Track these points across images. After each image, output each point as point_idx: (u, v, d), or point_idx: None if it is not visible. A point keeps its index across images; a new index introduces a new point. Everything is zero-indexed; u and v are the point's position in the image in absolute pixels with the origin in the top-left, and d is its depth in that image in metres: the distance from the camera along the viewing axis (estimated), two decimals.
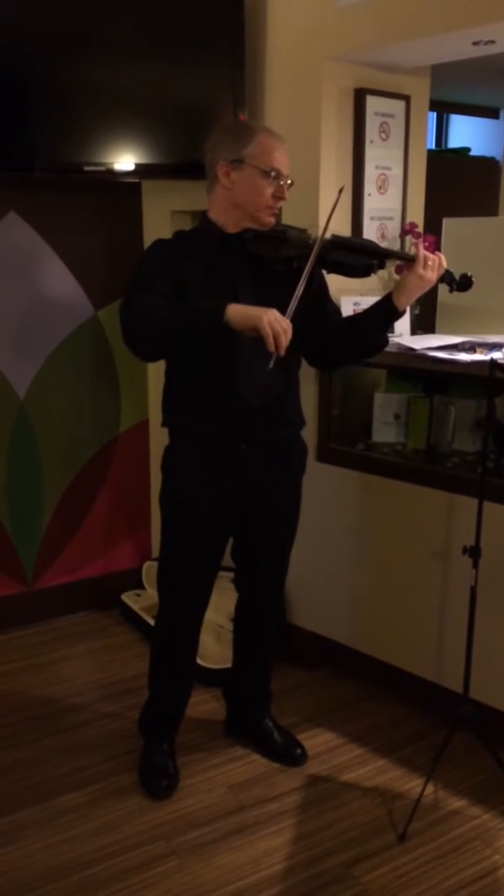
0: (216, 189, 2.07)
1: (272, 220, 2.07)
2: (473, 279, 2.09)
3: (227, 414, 2.07)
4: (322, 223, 2.01)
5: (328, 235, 2.04)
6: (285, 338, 1.85)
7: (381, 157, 2.75)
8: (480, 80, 3.72)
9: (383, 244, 2.76)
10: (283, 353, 1.86)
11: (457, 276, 2.09)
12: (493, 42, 2.33)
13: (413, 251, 2.05)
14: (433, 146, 4.69)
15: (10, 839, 2.10)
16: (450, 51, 2.48)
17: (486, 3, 2.16)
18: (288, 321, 1.87)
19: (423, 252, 2.02)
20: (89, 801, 2.24)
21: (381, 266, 2.12)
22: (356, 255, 2.07)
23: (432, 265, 2.01)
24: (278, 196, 2.04)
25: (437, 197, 3.03)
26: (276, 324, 1.84)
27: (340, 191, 2.04)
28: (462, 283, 2.10)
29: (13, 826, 2.15)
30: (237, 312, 1.86)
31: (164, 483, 2.21)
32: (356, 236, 2.64)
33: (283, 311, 1.90)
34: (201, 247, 2.07)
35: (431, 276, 2.02)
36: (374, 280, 2.36)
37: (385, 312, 2.08)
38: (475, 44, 2.36)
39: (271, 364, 1.86)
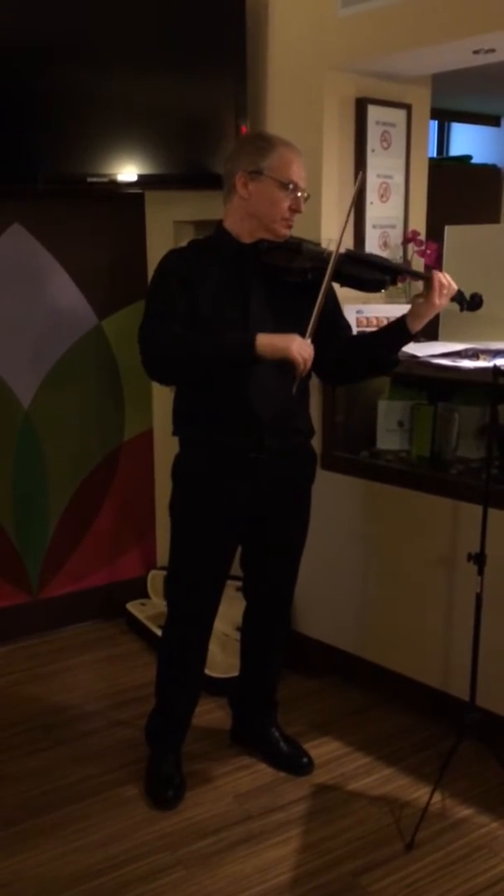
0: (233, 199, 2.08)
1: (287, 231, 2.09)
2: (483, 298, 2.11)
3: (239, 423, 2.08)
4: (335, 235, 2.04)
5: (342, 250, 2.07)
6: (310, 362, 1.97)
7: (383, 166, 2.76)
8: (481, 89, 3.73)
9: (386, 252, 2.78)
10: (304, 375, 1.98)
11: (467, 296, 2.11)
12: (493, 51, 2.35)
13: (428, 274, 2.08)
14: (434, 154, 4.69)
15: (17, 849, 2.10)
16: (450, 60, 2.50)
17: (486, 12, 2.18)
18: (310, 344, 1.97)
19: (439, 280, 2.04)
20: (96, 811, 2.24)
21: (394, 282, 2.15)
22: (370, 270, 2.11)
23: (447, 293, 2.05)
24: (294, 208, 2.06)
25: (439, 205, 3.04)
26: (302, 350, 1.95)
27: (359, 176, 2.17)
28: (473, 304, 2.13)
29: (20, 836, 2.15)
30: (266, 344, 1.95)
31: (173, 492, 2.22)
32: (369, 252, 2.67)
33: (301, 329, 1.97)
34: (216, 256, 2.09)
35: (445, 301, 2.07)
36: None
37: (398, 334, 2.12)
38: (476, 52, 2.37)
39: (294, 389, 1.98)
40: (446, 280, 2.05)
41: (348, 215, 2.08)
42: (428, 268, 2.73)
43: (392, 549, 2.64)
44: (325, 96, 2.60)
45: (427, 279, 2.06)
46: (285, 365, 1.95)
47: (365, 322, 2.60)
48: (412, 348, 2.54)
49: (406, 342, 2.14)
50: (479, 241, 2.67)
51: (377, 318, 2.61)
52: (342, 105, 2.65)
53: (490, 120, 4.63)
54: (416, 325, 2.09)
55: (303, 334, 1.97)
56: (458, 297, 2.11)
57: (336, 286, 2.18)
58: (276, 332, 2.05)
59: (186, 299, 2.04)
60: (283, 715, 2.54)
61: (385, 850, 2.09)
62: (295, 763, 2.41)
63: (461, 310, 2.14)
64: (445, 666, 2.52)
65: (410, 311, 2.09)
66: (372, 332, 2.26)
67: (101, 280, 3.17)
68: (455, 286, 2.07)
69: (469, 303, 2.13)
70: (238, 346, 1.96)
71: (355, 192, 2.16)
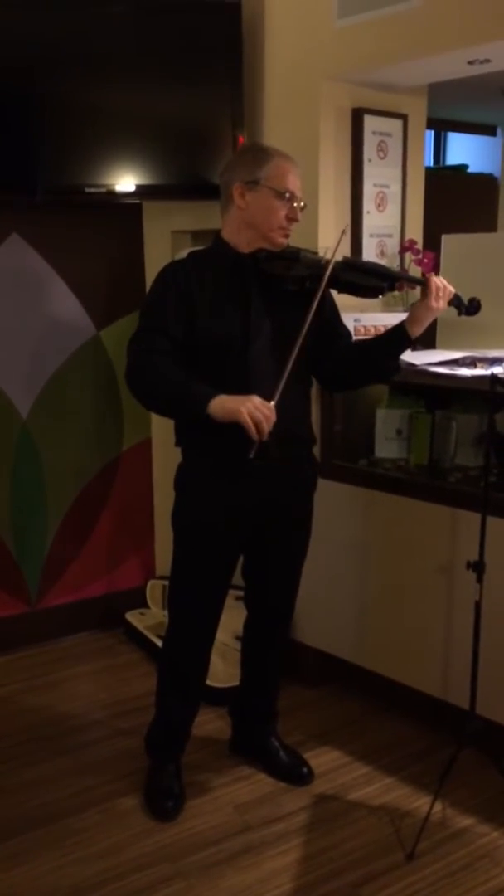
0: (231, 209, 2.10)
1: (285, 241, 2.10)
2: (482, 302, 2.12)
3: (240, 432, 2.08)
4: (331, 245, 2.04)
5: (339, 257, 2.07)
6: (267, 424, 1.92)
7: (380, 176, 2.77)
8: (477, 98, 3.75)
9: (383, 261, 2.78)
10: (265, 438, 1.92)
11: (465, 301, 2.11)
12: (488, 61, 2.36)
13: (425, 278, 2.08)
14: (431, 164, 4.72)
15: (17, 861, 2.09)
16: (446, 70, 2.51)
17: (481, 22, 2.19)
18: (270, 405, 1.93)
19: (435, 283, 2.05)
20: (95, 823, 2.23)
21: (391, 288, 2.16)
22: (367, 277, 2.11)
23: (444, 295, 2.05)
24: (291, 217, 2.08)
25: (436, 214, 3.05)
26: (255, 413, 1.91)
27: (343, 232, 2.10)
28: (471, 308, 2.13)
29: (19, 848, 2.14)
30: (218, 407, 1.93)
31: (176, 502, 2.22)
32: (366, 259, 2.68)
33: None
34: (215, 267, 2.10)
35: (443, 305, 2.07)
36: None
37: (398, 340, 2.12)
38: (470, 63, 2.39)
39: (252, 453, 1.92)
40: (442, 283, 2.06)
41: (339, 238, 2.07)
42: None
43: (390, 558, 2.63)
44: (321, 107, 2.61)
45: (423, 283, 2.07)
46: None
47: (363, 331, 2.60)
48: (410, 356, 2.55)
49: (405, 348, 2.13)
50: (476, 250, 2.68)
51: (375, 327, 2.61)
52: (339, 115, 2.66)
53: (486, 129, 4.66)
54: (416, 330, 2.09)
55: (271, 395, 1.94)
56: (457, 302, 2.11)
57: (334, 292, 2.18)
58: (274, 340, 2.05)
59: (184, 313, 2.04)
60: (283, 724, 2.53)
61: (386, 861, 2.08)
62: (295, 773, 2.40)
63: (459, 314, 2.14)
64: (445, 674, 2.52)
65: (409, 316, 2.10)
66: (371, 339, 2.26)
67: (99, 290, 3.17)
68: (452, 289, 2.08)
69: (467, 307, 2.13)
70: (194, 400, 1.97)
71: (338, 239, 2.09)
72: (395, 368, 2.19)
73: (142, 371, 2.05)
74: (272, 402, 1.94)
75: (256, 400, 1.93)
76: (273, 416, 1.93)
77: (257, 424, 1.91)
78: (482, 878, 2.03)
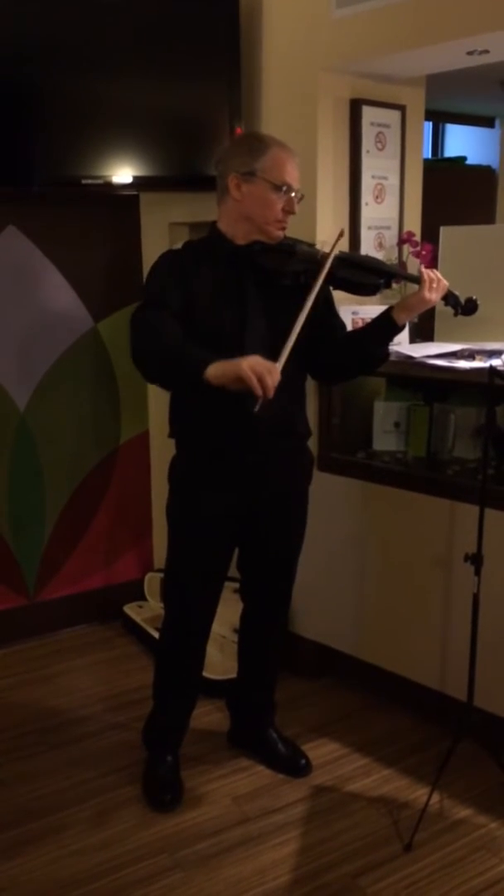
0: (226, 201, 2.08)
1: (281, 233, 2.08)
2: (479, 302, 2.11)
3: (234, 425, 2.08)
4: (329, 240, 2.03)
5: (336, 253, 2.06)
6: (271, 378, 1.83)
7: (378, 167, 2.76)
8: (475, 90, 3.74)
9: (381, 253, 2.78)
10: (270, 394, 1.84)
11: (462, 300, 2.11)
12: (487, 52, 2.35)
13: (418, 271, 2.08)
14: (429, 155, 4.71)
15: (14, 853, 2.09)
16: (444, 61, 2.50)
17: (480, 13, 2.18)
18: (273, 365, 1.85)
19: (428, 275, 2.04)
20: (93, 815, 2.23)
21: (388, 285, 2.15)
22: (364, 274, 2.10)
23: (437, 287, 2.05)
24: (288, 210, 2.05)
25: (434, 206, 3.04)
26: (257, 366, 1.83)
27: (341, 234, 2.08)
28: (468, 308, 2.12)
29: (17, 840, 2.14)
30: (217, 368, 1.85)
31: (170, 494, 2.21)
32: (363, 254, 2.66)
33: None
34: (211, 258, 2.09)
35: (435, 297, 2.06)
36: None
37: (385, 327, 2.10)
38: (469, 53, 2.38)
39: (257, 407, 1.84)
40: (435, 275, 2.07)
41: (339, 236, 2.06)
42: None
43: (389, 550, 2.63)
44: (319, 97, 2.60)
45: (418, 277, 2.06)
46: (242, 387, 1.83)
47: (360, 324, 2.60)
48: (408, 349, 2.55)
49: (393, 335, 2.12)
50: (475, 242, 2.68)
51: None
52: (337, 106, 2.65)
53: (484, 121, 4.65)
54: (404, 318, 2.07)
55: (275, 359, 1.88)
56: (453, 302, 2.10)
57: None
58: (270, 333, 2.04)
59: (182, 294, 2.03)
60: (281, 717, 2.54)
61: (384, 852, 2.09)
62: (293, 765, 2.41)
63: (455, 314, 2.14)
64: (443, 667, 2.52)
65: (399, 304, 2.09)
66: (360, 328, 2.25)
67: (96, 282, 3.16)
68: (445, 282, 2.07)
69: (463, 307, 2.12)
70: (193, 362, 1.89)
71: (335, 241, 2.08)
72: (383, 356, 2.17)
73: (142, 335, 1.99)
74: (277, 364, 1.86)
75: (255, 357, 1.85)
76: (277, 376, 1.85)
77: (260, 378, 1.80)
78: (479, 868, 2.04)
